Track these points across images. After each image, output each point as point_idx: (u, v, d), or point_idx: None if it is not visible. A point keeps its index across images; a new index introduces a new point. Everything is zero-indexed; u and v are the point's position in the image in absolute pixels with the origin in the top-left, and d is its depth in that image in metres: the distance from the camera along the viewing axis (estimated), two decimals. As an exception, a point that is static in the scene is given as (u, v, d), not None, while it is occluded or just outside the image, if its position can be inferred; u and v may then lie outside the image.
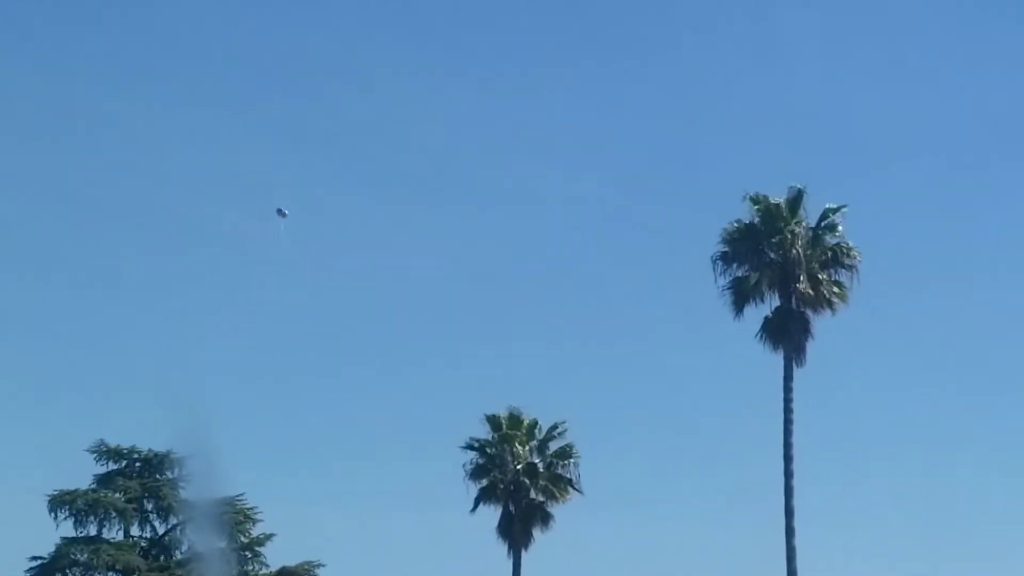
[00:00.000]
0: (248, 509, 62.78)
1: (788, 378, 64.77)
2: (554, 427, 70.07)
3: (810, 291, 64.61)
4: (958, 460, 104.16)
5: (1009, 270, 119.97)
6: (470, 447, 69.60)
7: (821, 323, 65.62)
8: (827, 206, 66.32)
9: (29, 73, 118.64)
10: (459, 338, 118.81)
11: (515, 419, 69.95)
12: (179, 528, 62.57)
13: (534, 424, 70.15)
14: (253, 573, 61.85)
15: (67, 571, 60.94)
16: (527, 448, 69.70)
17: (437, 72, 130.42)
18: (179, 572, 61.03)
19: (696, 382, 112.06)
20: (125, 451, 62.87)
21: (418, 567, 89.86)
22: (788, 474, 64.02)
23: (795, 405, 64.68)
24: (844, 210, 66.56)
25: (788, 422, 64.38)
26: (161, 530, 62.84)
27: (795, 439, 64.45)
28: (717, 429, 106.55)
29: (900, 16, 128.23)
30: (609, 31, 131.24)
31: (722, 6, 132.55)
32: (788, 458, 64.13)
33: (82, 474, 62.61)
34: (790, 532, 63.74)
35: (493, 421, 69.87)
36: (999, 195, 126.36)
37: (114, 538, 61.70)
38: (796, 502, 64.05)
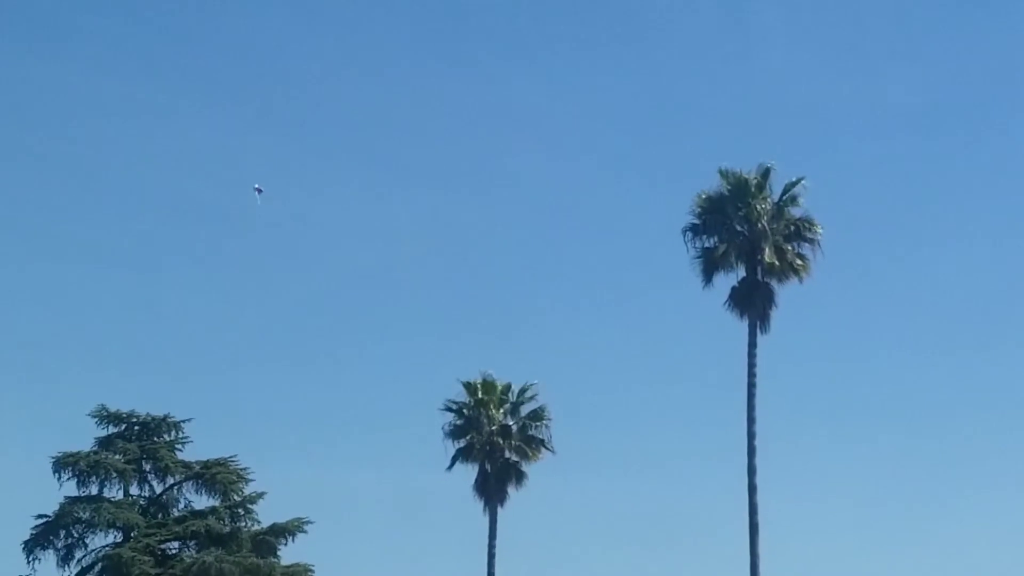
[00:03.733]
0: (241, 469, 63.41)
1: (752, 344, 65.95)
2: (523, 390, 71.56)
3: (775, 262, 65.96)
4: (911, 423, 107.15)
5: (962, 240, 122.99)
6: (448, 409, 71.32)
7: (785, 293, 66.83)
8: (788, 181, 67.22)
9: (22, 54, 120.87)
10: (441, 308, 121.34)
11: (489, 384, 71.59)
12: (175, 487, 63.46)
13: (507, 388, 71.79)
14: (246, 529, 62.40)
15: (70, 528, 61.37)
16: (502, 411, 71.41)
17: (419, 57, 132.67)
18: (176, 528, 61.88)
19: (666, 347, 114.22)
20: (124, 415, 63.45)
21: (401, 521, 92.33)
22: (751, 435, 65.23)
23: (758, 370, 65.89)
24: (804, 182, 67.29)
25: (752, 386, 65.60)
26: (159, 489, 63.62)
27: (758, 401, 65.61)
28: (684, 391, 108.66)
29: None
30: (587, 19, 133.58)
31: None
32: (751, 420, 65.37)
33: (84, 437, 63.39)
34: (752, 489, 64.89)
35: (469, 387, 71.46)
36: (951, 169, 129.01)
37: (114, 497, 62.24)
38: (758, 461, 65.24)
